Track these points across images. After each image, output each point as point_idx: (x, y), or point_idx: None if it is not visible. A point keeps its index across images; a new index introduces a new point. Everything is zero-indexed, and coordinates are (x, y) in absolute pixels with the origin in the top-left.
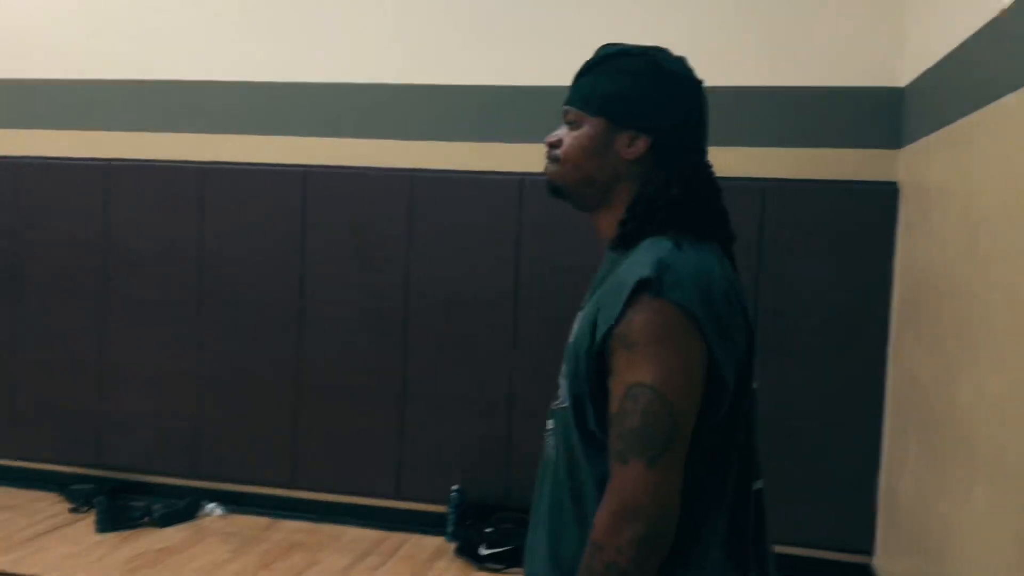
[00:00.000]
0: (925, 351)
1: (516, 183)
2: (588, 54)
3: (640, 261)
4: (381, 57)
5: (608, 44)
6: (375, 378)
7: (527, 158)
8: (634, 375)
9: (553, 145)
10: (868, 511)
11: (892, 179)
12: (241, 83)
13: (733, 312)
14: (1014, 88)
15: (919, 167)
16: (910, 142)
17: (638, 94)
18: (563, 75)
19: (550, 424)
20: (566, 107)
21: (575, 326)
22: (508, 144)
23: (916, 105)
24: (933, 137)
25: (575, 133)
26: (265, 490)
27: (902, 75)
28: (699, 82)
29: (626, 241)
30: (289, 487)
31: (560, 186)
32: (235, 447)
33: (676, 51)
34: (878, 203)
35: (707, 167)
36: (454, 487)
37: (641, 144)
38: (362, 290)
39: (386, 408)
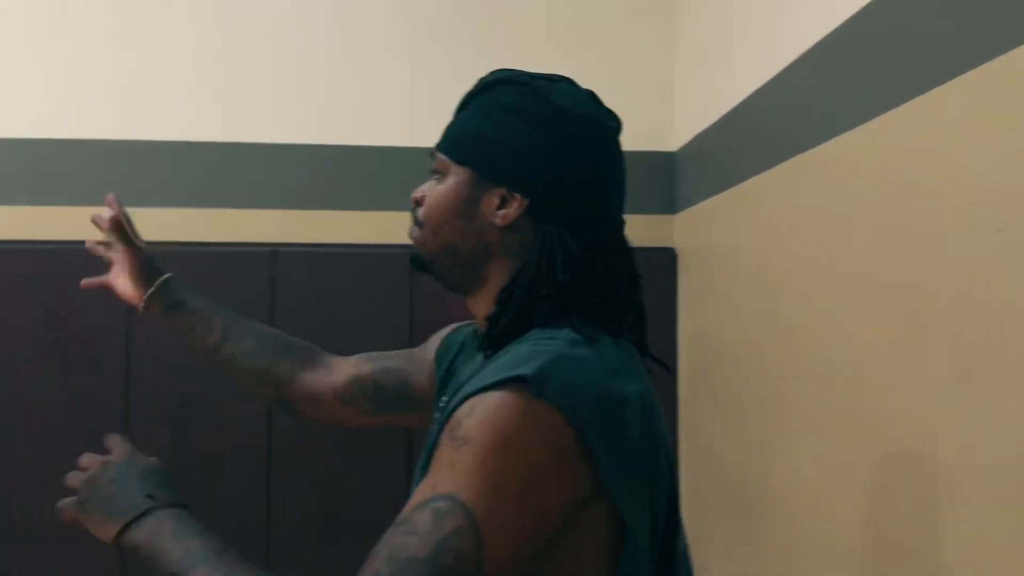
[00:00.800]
0: (727, 425)
1: (267, 256)
2: (330, 110)
3: (525, 352)
4: (82, 106)
5: (499, 69)
6: None
7: (280, 226)
8: (449, 481)
9: (418, 202)
10: None
11: (669, 245)
12: None
13: (653, 443)
14: (801, 150)
15: (698, 232)
16: (686, 207)
17: (513, 138)
18: (314, 132)
19: None
20: (432, 150)
21: (429, 446)
22: (256, 210)
23: (690, 169)
24: (713, 200)
25: (438, 187)
26: None
27: (672, 139)
28: (610, 128)
29: (495, 344)
30: None
31: (421, 256)
32: None
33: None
34: (656, 270)
35: (619, 243)
36: None
37: (514, 207)
38: (65, 397)
39: (102, 552)
